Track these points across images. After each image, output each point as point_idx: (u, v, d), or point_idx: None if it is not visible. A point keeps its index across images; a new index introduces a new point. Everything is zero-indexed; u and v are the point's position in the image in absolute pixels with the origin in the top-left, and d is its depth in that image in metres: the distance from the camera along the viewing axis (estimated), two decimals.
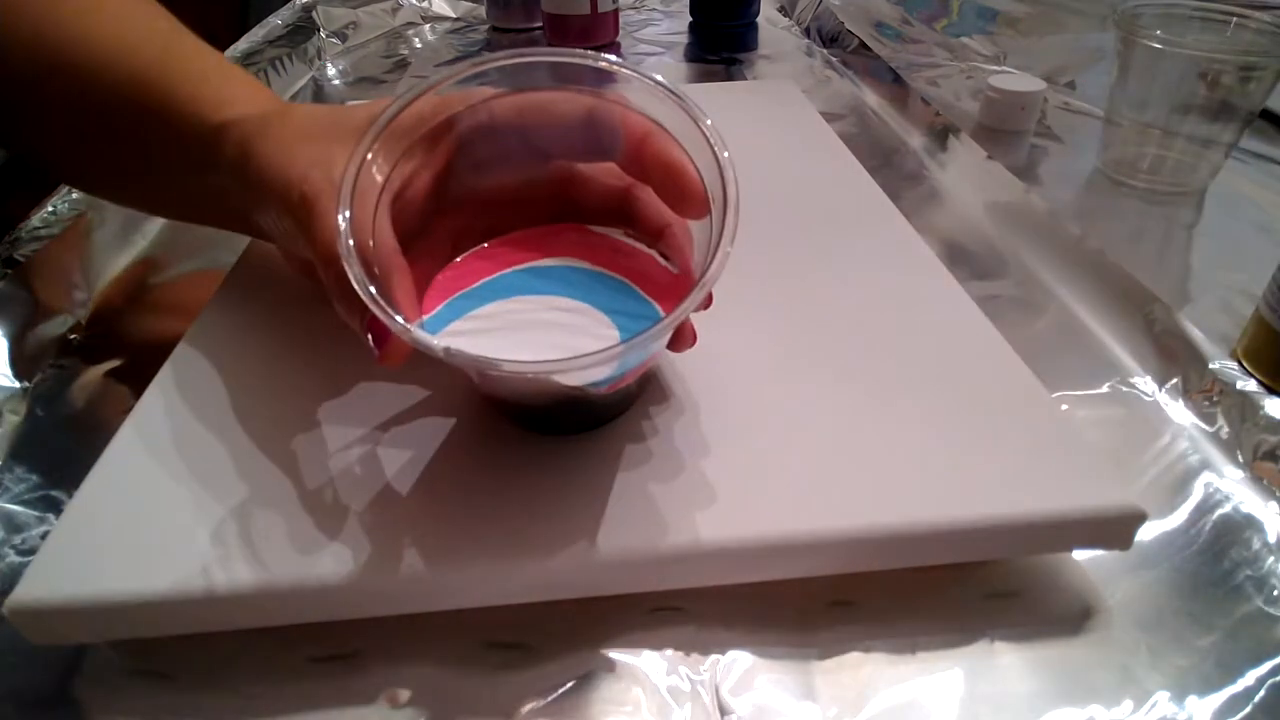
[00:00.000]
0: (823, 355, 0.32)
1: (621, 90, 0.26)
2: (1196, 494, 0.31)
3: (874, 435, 0.28)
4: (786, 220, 0.40)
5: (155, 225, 0.49)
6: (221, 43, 0.69)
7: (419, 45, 0.78)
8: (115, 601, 0.24)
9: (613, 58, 0.25)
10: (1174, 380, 0.36)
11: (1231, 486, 0.32)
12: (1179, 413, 0.35)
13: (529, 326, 0.26)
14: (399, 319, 0.21)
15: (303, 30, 0.75)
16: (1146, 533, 0.29)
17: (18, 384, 0.37)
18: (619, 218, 0.29)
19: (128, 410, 0.30)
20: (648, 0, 0.90)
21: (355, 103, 0.38)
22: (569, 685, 0.25)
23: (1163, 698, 0.25)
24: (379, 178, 0.25)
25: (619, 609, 0.27)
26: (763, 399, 0.30)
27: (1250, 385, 0.34)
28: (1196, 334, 0.36)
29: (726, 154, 0.24)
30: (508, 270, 0.28)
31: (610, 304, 0.27)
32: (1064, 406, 0.35)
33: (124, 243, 0.47)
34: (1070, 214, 0.48)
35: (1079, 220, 0.47)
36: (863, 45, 0.71)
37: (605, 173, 0.28)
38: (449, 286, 0.28)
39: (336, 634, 0.26)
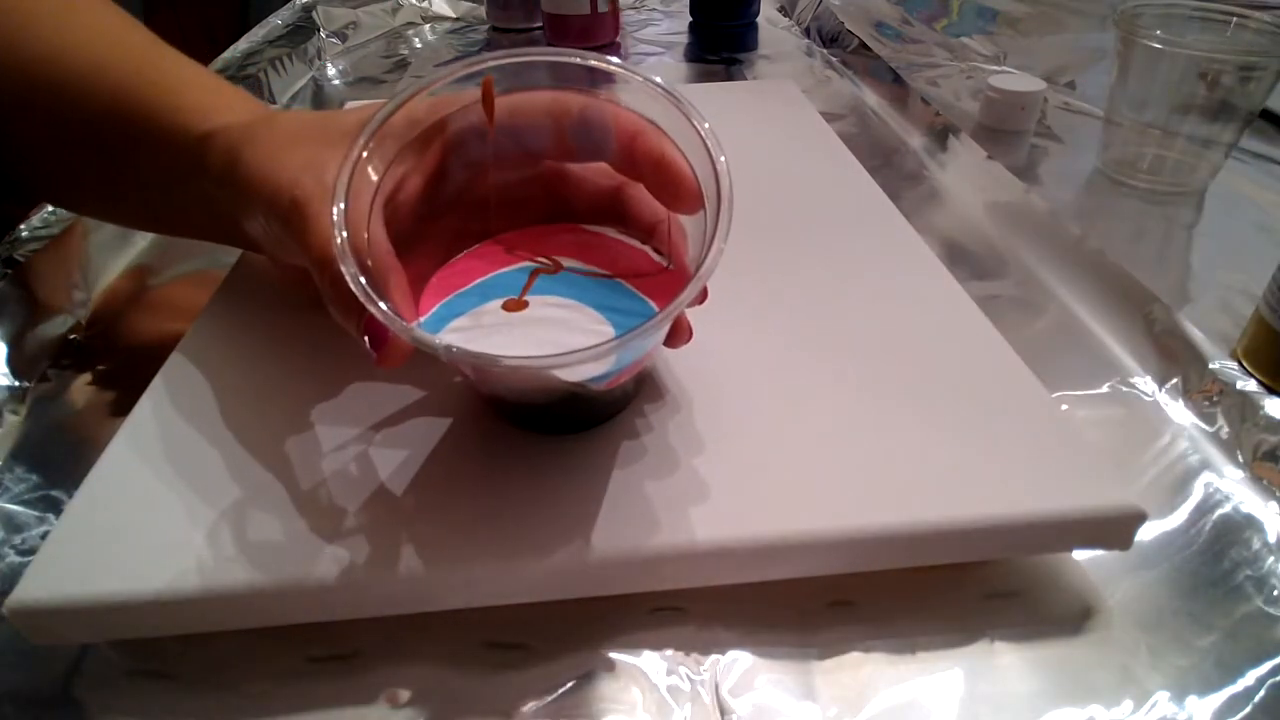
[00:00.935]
0: (822, 355, 0.32)
1: (618, 91, 0.26)
2: (1196, 494, 0.31)
3: (873, 435, 0.28)
4: (786, 220, 0.40)
5: None
6: (221, 43, 0.69)
7: (419, 45, 0.78)
8: (115, 601, 0.24)
9: (610, 58, 0.25)
10: (1174, 380, 0.36)
11: (1231, 486, 0.32)
12: (1179, 413, 0.35)
13: (525, 325, 0.26)
14: (398, 318, 0.22)
15: (303, 30, 0.75)
16: (1146, 533, 0.29)
17: (18, 384, 0.37)
18: (611, 217, 0.29)
19: (127, 410, 0.30)
20: (648, 0, 0.90)
21: (352, 104, 0.38)
22: (569, 685, 0.25)
23: (1163, 698, 0.25)
24: (374, 177, 0.25)
25: (619, 609, 0.27)
26: (762, 399, 0.30)
27: (1250, 385, 0.34)
28: (1196, 334, 0.36)
29: (721, 154, 0.24)
30: (502, 270, 0.28)
31: (605, 301, 0.27)
32: (1064, 406, 0.35)
33: (124, 243, 0.47)
34: (1070, 214, 0.48)
35: (1079, 220, 0.47)
36: (863, 45, 0.71)
37: (597, 172, 0.28)
38: (444, 287, 0.28)
39: (336, 634, 0.26)
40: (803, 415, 0.29)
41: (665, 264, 0.28)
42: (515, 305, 0.27)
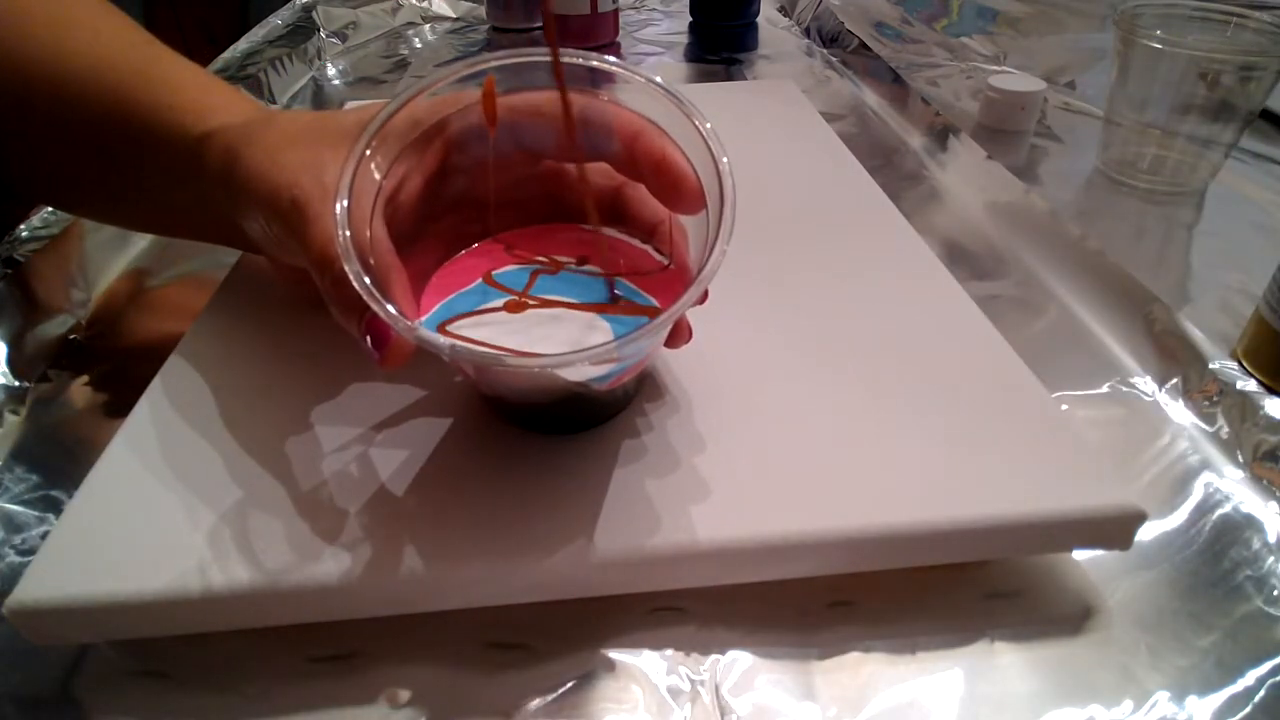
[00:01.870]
0: (822, 355, 0.32)
1: (619, 91, 0.26)
2: (1196, 494, 0.31)
3: (873, 435, 0.28)
4: (786, 220, 0.40)
5: None
6: (221, 43, 0.69)
7: (419, 45, 0.78)
8: (115, 601, 0.24)
9: (610, 58, 0.25)
10: (1174, 380, 0.36)
11: (1231, 486, 0.32)
12: (1179, 413, 0.35)
13: (527, 325, 0.26)
14: (402, 318, 0.21)
15: (303, 30, 0.75)
16: (1146, 533, 0.29)
17: (17, 384, 0.37)
18: (611, 217, 0.29)
19: (128, 410, 0.30)
20: (648, 0, 0.90)
21: (352, 104, 0.38)
22: (569, 685, 0.25)
23: (1163, 698, 0.25)
24: (377, 175, 0.25)
25: (619, 609, 0.27)
26: (762, 399, 0.30)
27: (1250, 385, 0.34)
28: (1196, 334, 0.36)
29: (724, 154, 0.24)
30: (503, 269, 0.28)
31: (606, 300, 0.27)
32: (1064, 406, 0.35)
33: (124, 243, 0.47)
34: (1070, 214, 0.48)
35: (1079, 220, 0.47)
36: (863, 45, 0.71)
37: (596, 172, 0.28)
38: (444, 286, 0.28)
39: (336, 634, 0.26)
40: (803, 415, 0.29)
41: (666, 263, 0.28)
42: (516, 305, 0.27)
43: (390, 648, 0.26)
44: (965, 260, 0.45)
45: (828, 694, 0.25)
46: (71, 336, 0.41)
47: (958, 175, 0.54)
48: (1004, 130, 0.58)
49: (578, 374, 0.24)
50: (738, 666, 0.25)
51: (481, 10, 0.84)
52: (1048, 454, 0.28)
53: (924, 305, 0.35)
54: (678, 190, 0.25)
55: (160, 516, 0.26)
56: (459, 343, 0.21)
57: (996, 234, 0.48)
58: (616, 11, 0.76)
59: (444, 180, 0.28)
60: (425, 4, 0.85)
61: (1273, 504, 0.31)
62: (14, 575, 0.26)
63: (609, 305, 0.27)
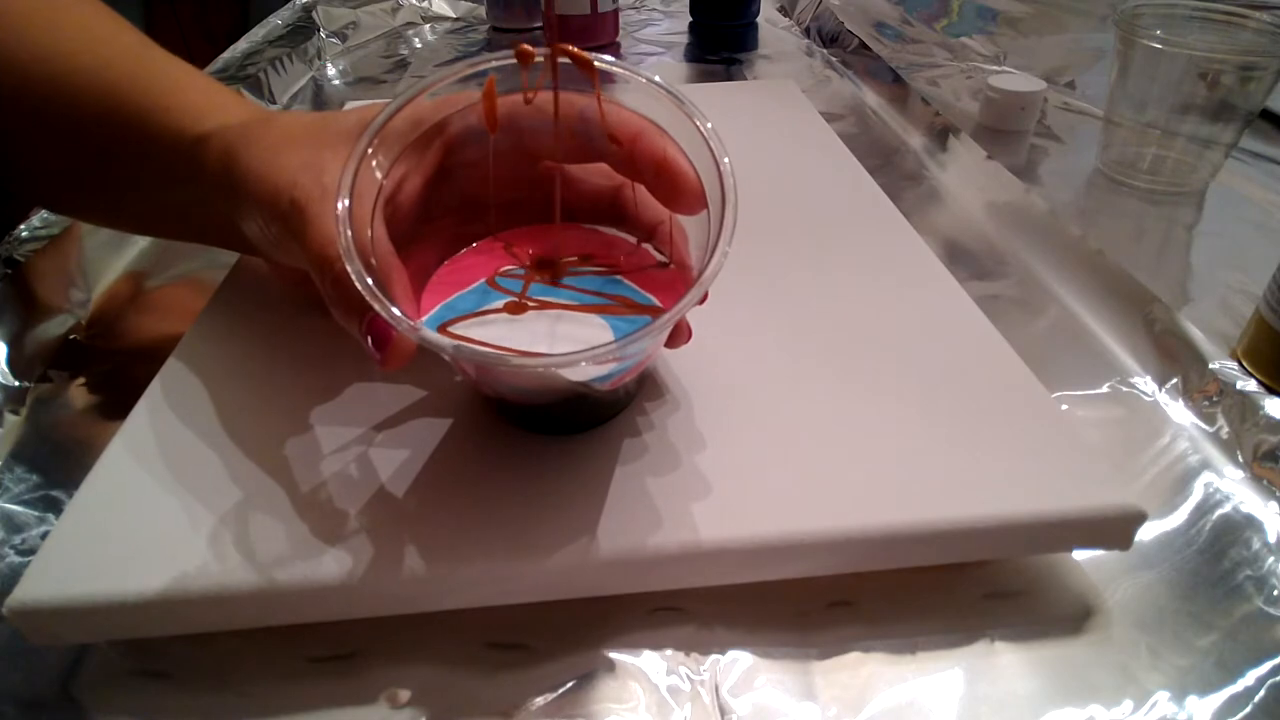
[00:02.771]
0: (822, 355, 0.32)
1: (619, 91, 0.26)
2: (1196, 494, 0.31)
3: (873, 435, 0.28)
4: (786, 220, 0.40)
5: None
6: (221, 43, 0.69)
7: (419, 45, 0.78)
8: (115, 601, 0.24)
9: (610, 58, 0.25)
10: (1174, 380, 0.36)
11: (1231, 486, 0.32)
12: (1179, 413, 0.35)
13: (528, 325, 0.26)
14: (405, 318, 0.21)
15: (303, 30, 0.75)
16: (1146, 533, 0.29)
17: (17, 384, 0.37)
18: (610, 217, 0.29)
19: (127, 411, 0.30)
20: (648, 0, 0.90)
21: (352, 104, 0.38)
22: (569, 685, 0.25)
23: (1163, 698, 0.25)
24: (378, 176, 0.25)
25: (619, 609, 0.27)
26: (762, 398, 0.30)
27: (1250, 385, 0.34)
28: (1196, 334, 0.36)
29: (725, 155, 0.24)
30: (503, 269, 0.28)
31: (607, 300, 0.27)
32: (1064, 406, 0.35)
33: (123, 244, 0.47)
34: (1070, 214, 0.48)
35: (1079, 220, 0.47)
36: (863, 45, 0.71)
37: (596, 172, 0.28)
38: (445, 286, 0.28)
39: (336, 634, 0.26)
40: (803, 415, 0.29)
41: (666, 261, 0.28)
42: (517, 306, 0.27)
43: (390, 648, 0.26)
44: (965, 260, 0.45)
45: (827, 694, 0.25)
46: (71, 337, 0.41)
47: (958, 175, 0.54)
48: (1004, 130, 0.58)
49: (580, 374, 0.24)
50: (737, 666, 0.25)
51: (481, 10, 0.84)
52: (1047, 454, 0.28)
53: (924, 305, 0.35)
54: (678, 190, 0.25)
55: (160, 517, 0.26)
56: (462, 343, 0.21)
57: (996, 234, 0.48)
58: (616, 11, 0.76)
59: (444, 180, 0.28)
60: (425, 4, 0.85)
61: (1273, 504, 0.31)
62: (14, 575, 0.26)
63: (610, 305, 0.27)
